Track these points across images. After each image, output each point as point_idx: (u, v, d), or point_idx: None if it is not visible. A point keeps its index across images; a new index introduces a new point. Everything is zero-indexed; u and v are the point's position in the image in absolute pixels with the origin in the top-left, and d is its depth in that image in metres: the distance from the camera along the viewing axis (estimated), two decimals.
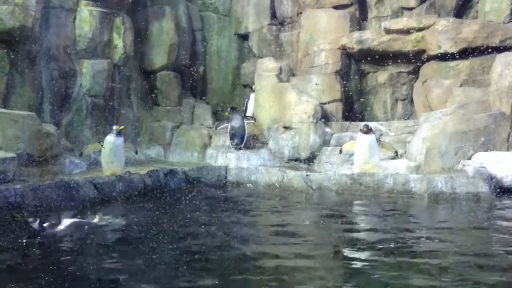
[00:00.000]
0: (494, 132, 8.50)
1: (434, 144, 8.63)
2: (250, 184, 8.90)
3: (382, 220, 6.01)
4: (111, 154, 7.94)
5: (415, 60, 10.71)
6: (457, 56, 10.04)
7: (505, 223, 5.76)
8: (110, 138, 7.94)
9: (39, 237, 4.77)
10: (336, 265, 4.17)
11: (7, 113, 7.21)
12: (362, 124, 8.93)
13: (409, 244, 4.65)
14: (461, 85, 9.84)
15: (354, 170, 8.57)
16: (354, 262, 4.13)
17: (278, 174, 8.76)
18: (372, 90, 11.57)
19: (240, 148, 10.33)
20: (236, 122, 10.43)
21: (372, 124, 9.79)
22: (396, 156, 9.01)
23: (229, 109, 11.06)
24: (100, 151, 8.15)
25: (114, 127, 8.01)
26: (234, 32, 13.51)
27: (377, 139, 8.62)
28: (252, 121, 10.99)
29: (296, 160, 10.19)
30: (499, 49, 9.58)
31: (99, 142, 8.21)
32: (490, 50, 9.72)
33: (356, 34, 11.06)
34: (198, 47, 12.86)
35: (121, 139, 8.06)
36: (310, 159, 10.06)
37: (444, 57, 10.16)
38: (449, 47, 9.99)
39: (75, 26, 9.46)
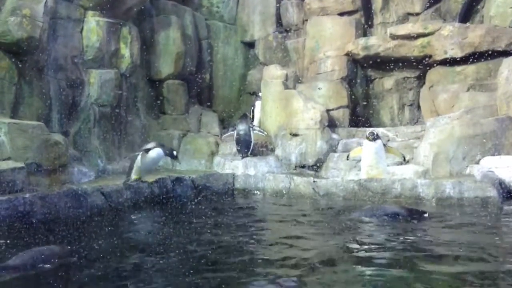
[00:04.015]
0: (502, 136, 8.47)
1: (442, 149, 8.61)
2: (257, 191, 8.93)
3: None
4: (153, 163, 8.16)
5: (421, 65, 10.71)
6: (463, 61, 10.04)
7: None
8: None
9: None
10: None
11: (16, 124, 7.26)
12: (368, 131, 8.92)
13: None
14: (467, 90, 9.85)
15: (361, 176, 8.57)
16: None
17: (285, 180, 8.78)
18: (379, 95, 11.58)
19: (247, 156, 10.33)
20: (241, 129, 10.43)
21: (379, 130, 9.81)
22: (404, 161, 9.00)
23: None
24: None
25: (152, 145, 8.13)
26: (240, 40, 13.57)
27: (383, 145, 8.62)
28: (263, 134, 10.93)
29: (303, 166, 10.19)
30: (505, 53, 9.58)
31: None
32: (496, 55, 9.71)
33: (362, 41, 11.08)
34: (204, 56, 12.92)
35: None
36: (317, 166, 10.05)
37: (450, 62, 10.16)
38: (455, 52, 10.00)
39: (83, 36, 9.52)
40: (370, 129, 9.46)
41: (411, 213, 6.21)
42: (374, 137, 8.43)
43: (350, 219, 6.21)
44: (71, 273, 4.03)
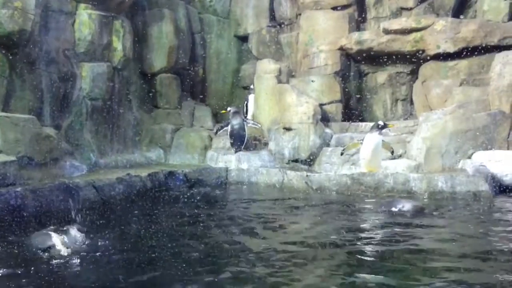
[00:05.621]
0: (494, 131, 8.50)
1: (434, 143, 8.64)
2: (250, 185, 8.93)
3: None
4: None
5: (414, 60, 10.72)
6: (456, 56, 10.06)
7: None
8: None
9: None
10: None
11: (7, 117, 7.20)
12: (379, 122, 8.69)
13: None
14: (460, 85, 9.86)
15: (362, 169, 8.51)
16: None
17: (278, 174, 8.79)
18: (372, 90, 11.59)
19: (240, 150, 10.31)
20: (236, 123, 10.40)
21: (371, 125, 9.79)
22: (392, 155, 8.97)
23: (228, 109, 10.98)
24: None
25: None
26: (233, 34, 13.52)
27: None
28: (257, 126, 10.91)
29: (296, 161, 10.19)
30: (498, 48, 9.60)
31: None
32: (489, 49, 9.73)
33: (355, 35, 11.07)
34: (197, 50, 12.87)
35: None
36: (310, 160, 10.06)
37: (443, 56, 10.18)
38: (448, 47, 10.01)
39: (75, 29, 9.44)
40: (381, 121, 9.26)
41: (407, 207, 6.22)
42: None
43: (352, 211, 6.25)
44: (61, 266, 4.01)
